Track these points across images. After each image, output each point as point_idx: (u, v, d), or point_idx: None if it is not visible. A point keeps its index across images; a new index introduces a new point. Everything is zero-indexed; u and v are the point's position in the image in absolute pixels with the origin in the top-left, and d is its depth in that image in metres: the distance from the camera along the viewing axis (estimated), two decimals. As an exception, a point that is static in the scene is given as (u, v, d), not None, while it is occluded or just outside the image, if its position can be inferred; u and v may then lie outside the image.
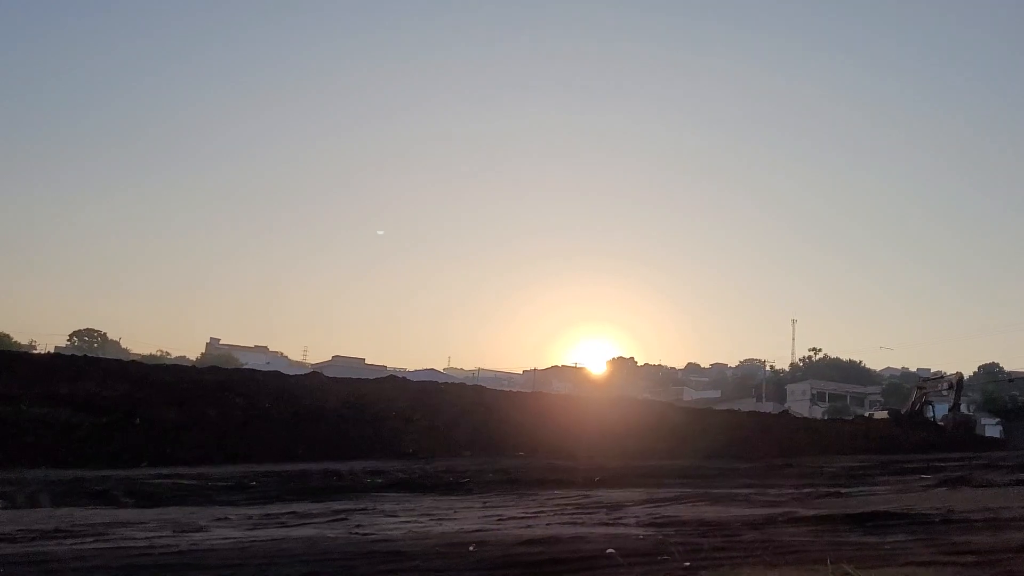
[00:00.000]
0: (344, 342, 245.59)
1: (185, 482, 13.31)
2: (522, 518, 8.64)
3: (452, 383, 30.57)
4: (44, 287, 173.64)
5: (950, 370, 53.94)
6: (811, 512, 9.39)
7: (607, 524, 8.29)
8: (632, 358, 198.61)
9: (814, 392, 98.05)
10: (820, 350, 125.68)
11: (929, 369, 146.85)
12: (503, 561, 6.17)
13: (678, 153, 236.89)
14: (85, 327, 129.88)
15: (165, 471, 16.74)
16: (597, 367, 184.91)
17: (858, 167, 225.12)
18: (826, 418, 58.54)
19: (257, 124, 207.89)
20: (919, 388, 54.12)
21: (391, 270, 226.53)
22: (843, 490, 12.72)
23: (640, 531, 7.85)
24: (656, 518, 8.81)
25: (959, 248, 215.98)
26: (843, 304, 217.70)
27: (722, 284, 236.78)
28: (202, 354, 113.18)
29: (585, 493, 12.39)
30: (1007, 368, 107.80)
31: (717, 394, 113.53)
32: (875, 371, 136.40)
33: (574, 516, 9.01)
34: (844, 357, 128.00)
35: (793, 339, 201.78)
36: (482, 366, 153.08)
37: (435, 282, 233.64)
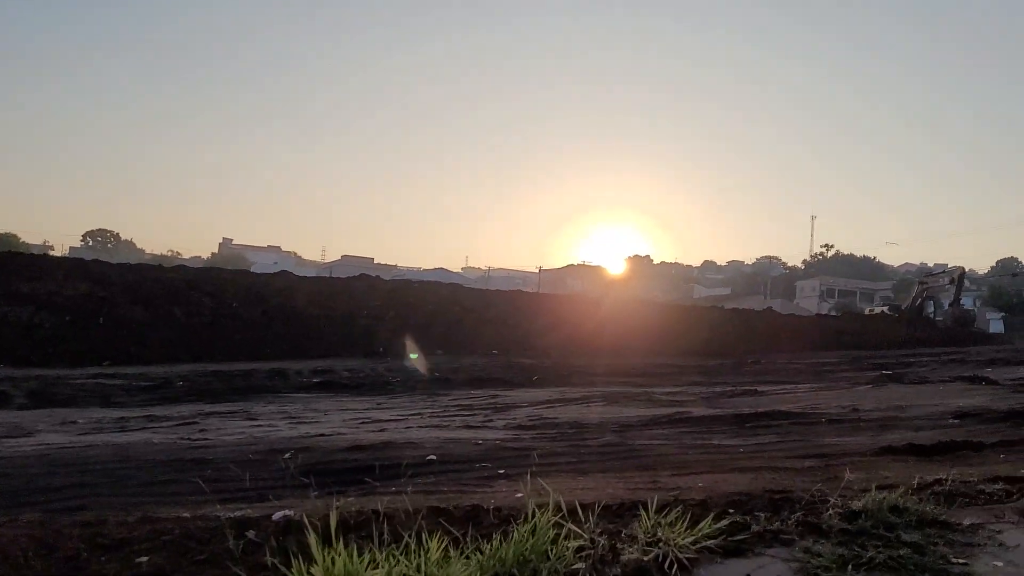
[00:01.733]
0: (362, 242, 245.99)
1: (108, 382, 13.17)
2: (390, 420, 8.36)
3: (427, 281, 30.28)
4: (59, 188, 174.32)
5: (968, 265, 53.10)
6: (702, 412, 9.07)
7: (472, 427, 7.99)
8: (648, 256, 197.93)
9: (823, 288, 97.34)
10: (832, 246, 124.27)
11: (946, 264, 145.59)
12: (309, 469, 5.86)
13: (701, 52, 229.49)
14: (99, 227, 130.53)
15: (129, 371, 16.66)
16: (614, 265, 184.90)
17: (882, 60, 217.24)
18: (832, 314, 58.02)
19: (274, 27, 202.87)
20: (920, 283, 53.44)
21: (411, 170, 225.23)
22: (760, 388, 12.36)
23: (500, 435, 7.55)
24: (534, 420, 8.52)
25: (982, 141, 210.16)
26: (864, 201, 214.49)
27: (744, 180, 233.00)
28: (213, 254, 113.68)
29: (502, 393, 12.12)
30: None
31: (728, 291, 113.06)
32: (891, 267, 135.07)
33: (451, 418, 8.73)
34: (859, 253, 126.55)
35: (812, 235, 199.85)
36: (501, 264, 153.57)
37: (455, 181, 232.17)
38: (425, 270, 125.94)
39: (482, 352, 25.46)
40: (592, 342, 27.79)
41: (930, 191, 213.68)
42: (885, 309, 54.25)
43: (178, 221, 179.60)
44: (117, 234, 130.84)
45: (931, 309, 51.36)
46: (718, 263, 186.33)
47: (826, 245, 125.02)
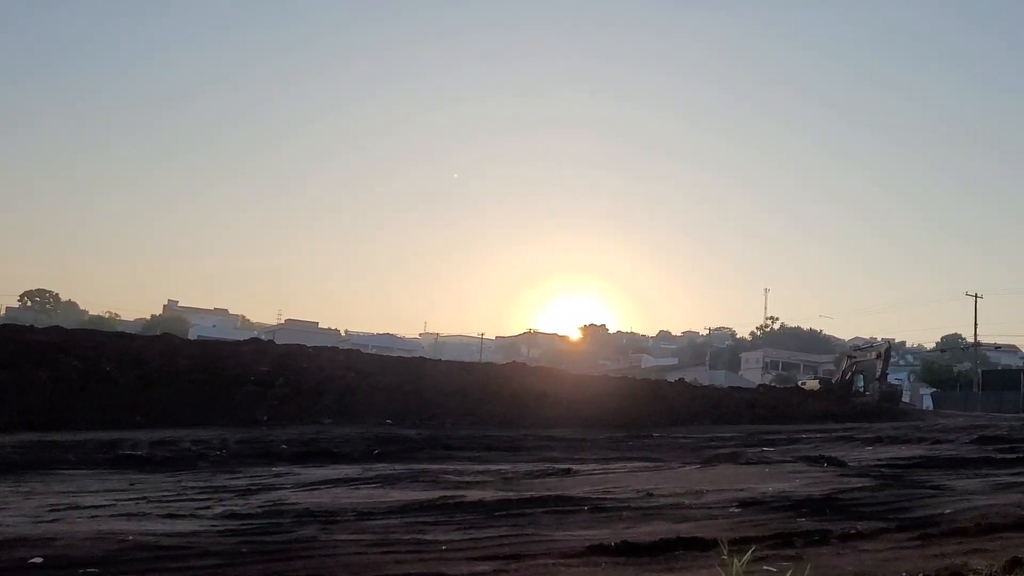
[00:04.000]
0: (319, 307, 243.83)
1: None
2: (92, 507, 7.32)
3: (323, 347, 29.17)
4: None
5: (916, 340, 53.50)
6: (478, 497, 8.18)
7: (178, 516, 6.99)
8: (604, 325, 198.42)
9: (767, 360, 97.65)
10: (777, 319, 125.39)
11: (894, 338, 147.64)
12: None
13: (664, 126, 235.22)
14: (38, 287, 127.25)
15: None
16: (570, 333, 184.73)
17: (836, 143, 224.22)
18: (771, 386, 57.70)
19: (224, 85, 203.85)
20: (849, 357, 53.42)
21: (371, 235, 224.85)
22: (583, 466, 11.52)
23: (191, 526, 6.56)
24: (266, 507, 7.54)
25: (937, 215, 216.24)
26: (817, 273, 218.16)
27: (707, 251, 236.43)
28: (154, 315, 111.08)
29: (294, 471, 11.10)
30: (970, 339, 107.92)
31: (674, 361, 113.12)
32: (839, 339, 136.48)
33: (179, 503, 7.71)
34: (806, 326, 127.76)
35: (765, 308, 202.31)
36: (459, 331, 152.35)
37: (416, 247, 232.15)
38: (373, 335, 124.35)
39: (374, 421, 24.33)
40: (493, 412, 26.90)
41: (882, 265, 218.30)
42: (816, 383, 54.05)
43: (125, 282, 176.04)
44: (56, 294, 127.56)
45: (860, 384, 51.27)
46: (673, 333, 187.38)
47: (771, 317, 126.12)
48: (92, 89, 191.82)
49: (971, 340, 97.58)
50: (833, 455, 13.40)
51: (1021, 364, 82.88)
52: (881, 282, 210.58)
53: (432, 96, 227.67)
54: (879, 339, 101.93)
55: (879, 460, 14.22)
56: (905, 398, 67.26)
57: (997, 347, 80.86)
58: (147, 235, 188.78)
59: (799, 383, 57.24)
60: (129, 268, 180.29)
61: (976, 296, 66.14)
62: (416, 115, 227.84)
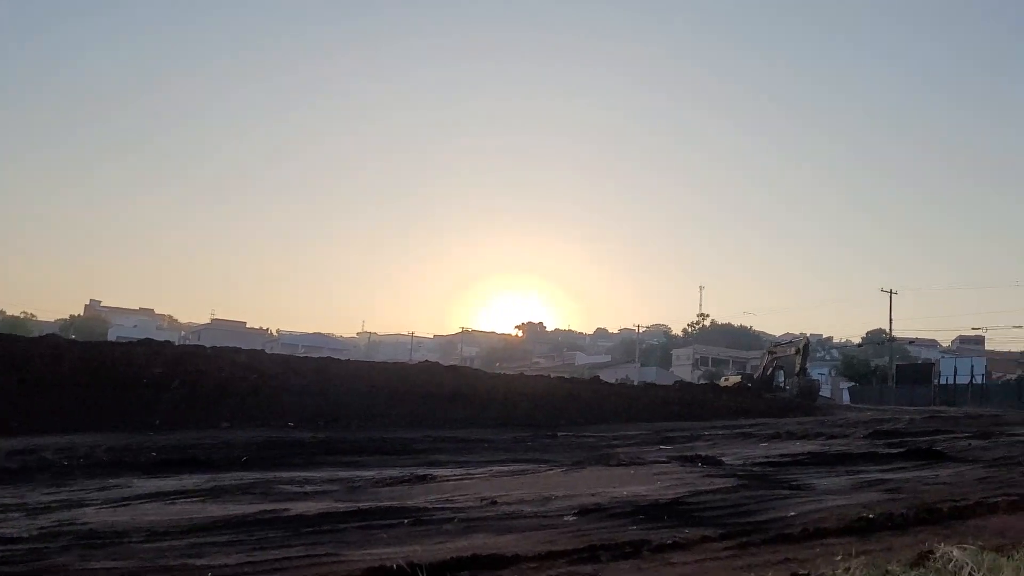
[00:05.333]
0: (253, 306, 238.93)
1: None
2: None
3: (224, 347, 28.07)
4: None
5: (843, 335, 54.50)
6: (305, 511, 7.56)
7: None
8: (541, 323, 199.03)
9: (697, 357, 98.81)
10: (708, 315, 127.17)
11: (821, 334, 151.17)
12: None
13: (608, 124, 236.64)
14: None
15: None
16: (508, 331, 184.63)
17: (768, 141, 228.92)
18: (688, 383, 58.20)
19: (145, 73, 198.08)
20: (770, 353, 54.24)
21: (309, 235, 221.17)
22: (435, 472, 10.99)
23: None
24: (46, 528, 6.80)
25: (865, 213, 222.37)
26: (750, 270, 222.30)
27: (642, 252, 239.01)
28: (73, 315, 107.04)
29: (141, 483, 10.32)
30: (896, 334, 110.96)
31: (608, 359, 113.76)
32: (770, 335, 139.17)
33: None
34: (736, 322, 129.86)
35: (700, 305, 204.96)
36: (397, 330, 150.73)
37: (353, 245, 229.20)
38: (305, 335, 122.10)
39: (277, 424, 23.44)
40: (403, 413, 26.25)
41: (813, 262, 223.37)
42: (739, 378, 54.71)
43: (46, 282, 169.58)
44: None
45: (781, 379, 52.07)
46: (610, 330, 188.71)
47: (702, 314, 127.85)
48: (9, 89, 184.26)
49: (896, 335, 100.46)
50: (712, 454, 13.14)
51: (939, 357, 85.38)
52: (812, 279, 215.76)
53: (369, 97, 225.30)
54: (803, 335, 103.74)
55: (764, 457, 14.04)
56: (826, 393, 68.77)
57: (911, 342, 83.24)
58: (72, 234, 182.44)
59: (723, 379, 57.93)
60: (52, 267, 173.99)
61: (891, 292, 67.87)
62: (353, 116, 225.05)
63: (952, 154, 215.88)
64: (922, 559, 4.57)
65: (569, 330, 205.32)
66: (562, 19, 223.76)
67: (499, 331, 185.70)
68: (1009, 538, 6.10)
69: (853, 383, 65.87)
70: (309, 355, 34.09)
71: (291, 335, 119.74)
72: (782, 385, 50.52)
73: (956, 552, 4.48)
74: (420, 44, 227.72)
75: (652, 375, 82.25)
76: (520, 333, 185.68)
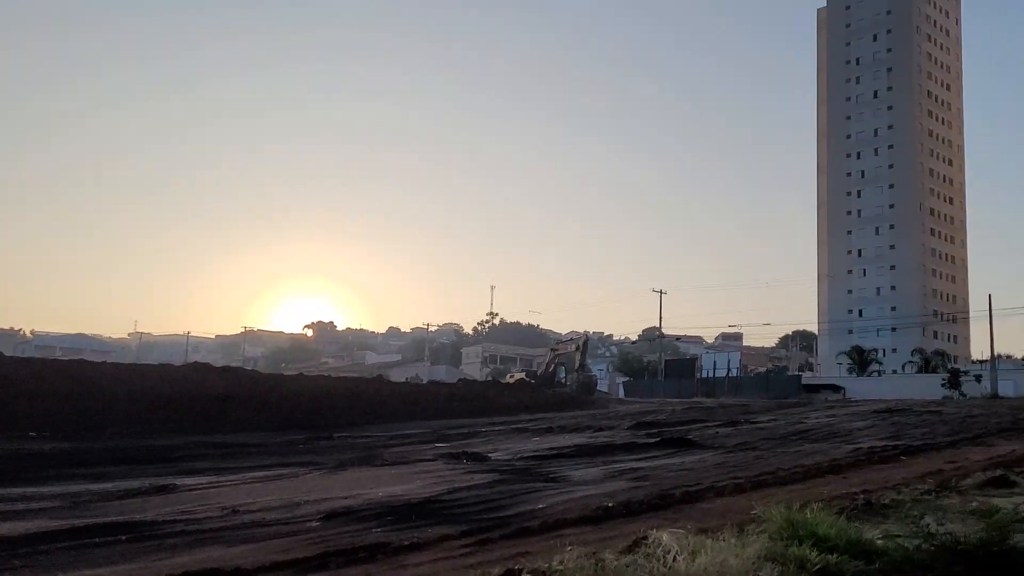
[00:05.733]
0: (8, 306, 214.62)
1: None
2: None
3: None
4: None
5: (622, 332, 57.33)
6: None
7: None
8: (332, 322, 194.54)
9: (486, 355, 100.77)
10: (497, 314, 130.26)
11: (602, 332, 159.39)
12: None
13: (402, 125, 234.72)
14: None
15: None
16: (298, 330, 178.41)
17: (552, 148, 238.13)
18: (472, 380, 59.11)
19: None
20: (552, 350, 56.29)
21: (77, 233, 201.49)
22: (180, 482, 10.30)
23: None
24: None
25: (642, 219, 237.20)
26: (538, 272, 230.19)
27: (437, 252, 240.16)
28: None
29: None
30: (666, 331, 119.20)
31: (398, 357, 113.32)
32: (557, 333, 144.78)
33: None
34: (524, 321, 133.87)
35: (492, 304, 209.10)
36: (173, 330, 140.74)
37: (128, 247, 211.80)
38: (65, 335, 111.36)
39: (16, 434, 20.96)
40: (169, 418, 24.43)
41: (596, 262, 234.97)
42: (523, 375, 56.35)
43: None
44: None
45: (562, 375, 54.22)
46: (403, 329, 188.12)
47: (492, 313, 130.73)
48: None
49: (666, 332, 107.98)
50: (483, 450, 13.27)
51: (703, 353, 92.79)
52: (595, 279, 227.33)
53: (153, 89, 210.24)
54: (583, 333, 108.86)
55: (532, 451, 14.38)
56: (603, 387, 72.54)
57: (678, 338, 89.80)
58: None
59: (508, 376, 59.43)
60: None
61: (662, 292, 72.83)
62: (135, 109, 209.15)
63: (719, 162, 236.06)
64: (636, 545, 4.75)
65: (361, 329, 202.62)
66: (342, 19, 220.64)
67: (288, 331, 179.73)
68: (726, 518, 6.54)
69: (628, 378, 69.91)
70: (66, 357, 31.06)
71: (48, 336, 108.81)
72: (563, 381, 52.59)
73: (666, 537, 4.69)
74: (206, 40, 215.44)
75: (442, 373, 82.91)
76: (310, 333, 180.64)
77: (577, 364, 51.53)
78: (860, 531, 5.37)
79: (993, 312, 58.86)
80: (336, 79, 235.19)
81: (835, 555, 4.75)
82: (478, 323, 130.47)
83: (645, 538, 4.83)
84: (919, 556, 4.77)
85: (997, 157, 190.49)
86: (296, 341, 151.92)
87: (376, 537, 6.23)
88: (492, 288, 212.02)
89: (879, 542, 5.21)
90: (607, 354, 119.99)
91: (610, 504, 7.37)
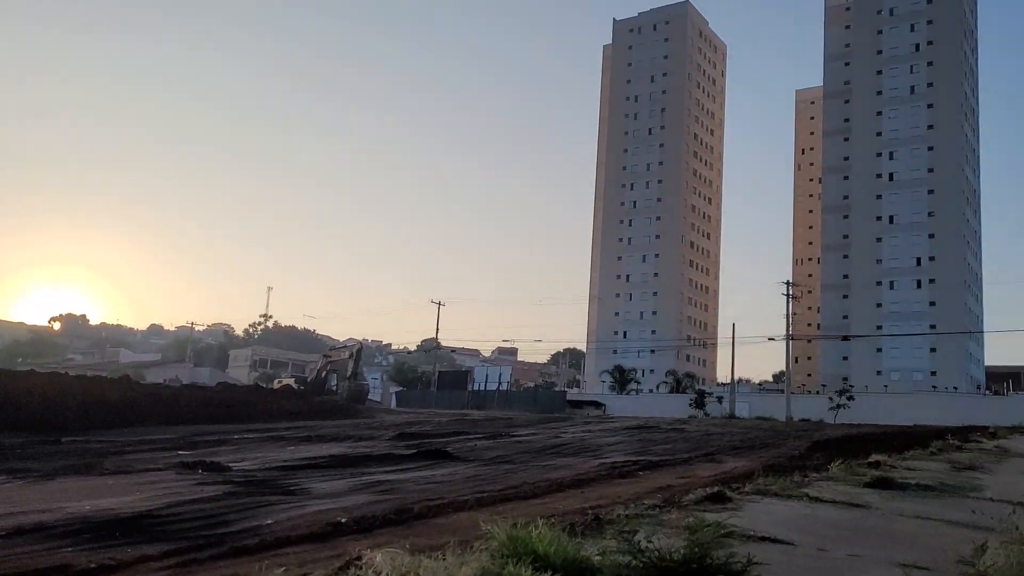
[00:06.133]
0: None
1: None
2: None
3: None
4: None
5: (401, 342, 56.46)
6: None
7: None
8: (84, 315, 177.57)
9: (256, 358, 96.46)
10: (271, 316, 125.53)
11: (382, 340, 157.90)
12: None
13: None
14: None
15: None
16: (41, 321, 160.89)
17: (328, 157, 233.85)
18: (233, 384, 56.15)
19: None
20: (325, 356, 54.88)
21: None
22: None
23: None
24: None
25: (426, 229, 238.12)
26: (319, 275, 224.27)
27: (208, 247, 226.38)
28: None
29: None
30: (444, 343, 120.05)
31: (158, 357, 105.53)
32: (335, 339, 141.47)
33: None
34: (300, 326, 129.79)
35: (267, 306, 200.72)
36: None
37: None
38: None
39: None
40: None
41: (377, 269, 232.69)
42: (292, 381, 54.41)
43: None
44: None
45: (334, 382, 52.89)
46: (166, 327, 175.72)
47: (266, 315, 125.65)
48: None
49: (444, 344, 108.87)
50: (228, 460, 12.40)
51: (478, 365, 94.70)
52: (377, 286, 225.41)
53: None
54: (359, 340, 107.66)
55: (283, 461, 13.66)
56: (377, 396, 71.77)
57: (453, 351, 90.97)
58: None
59: (276, 382, 57.14)
60: None
61: (440, 304, 73.32)
62: None
63: (506, 182, 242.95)
64: (347, 567, 4.45)
65: (118, 325, 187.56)
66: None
67: (31, 323, 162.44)
68: (459, 534, 6.40)
69: (402, 388, 69.58)
70: None
71: None
72: (334, 388, 51.35)
73: (379, 557, 4.44)
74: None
75: (205, 376, 78.24)
76: (57, 326, 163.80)
77: (350, 372, 50.57)
78: (580, 547, 5.41)
79: (736, 340, 64.78)
80: (100, 60, 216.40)
81: (551, 573, 4.72)
82: (250, 325, 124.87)
83: (359, 559, 4.54)
84: (628, 573, 4.86)
85: (747, 197, 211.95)
86: (38, 334, 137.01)
87: (63, 558, 5.46)
88: (269, 289, 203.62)
89: (596, 559, 5.27)
90: (384, 363, 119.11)
91: (343, 520, 7.02)
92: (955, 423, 31.98)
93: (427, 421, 29.74)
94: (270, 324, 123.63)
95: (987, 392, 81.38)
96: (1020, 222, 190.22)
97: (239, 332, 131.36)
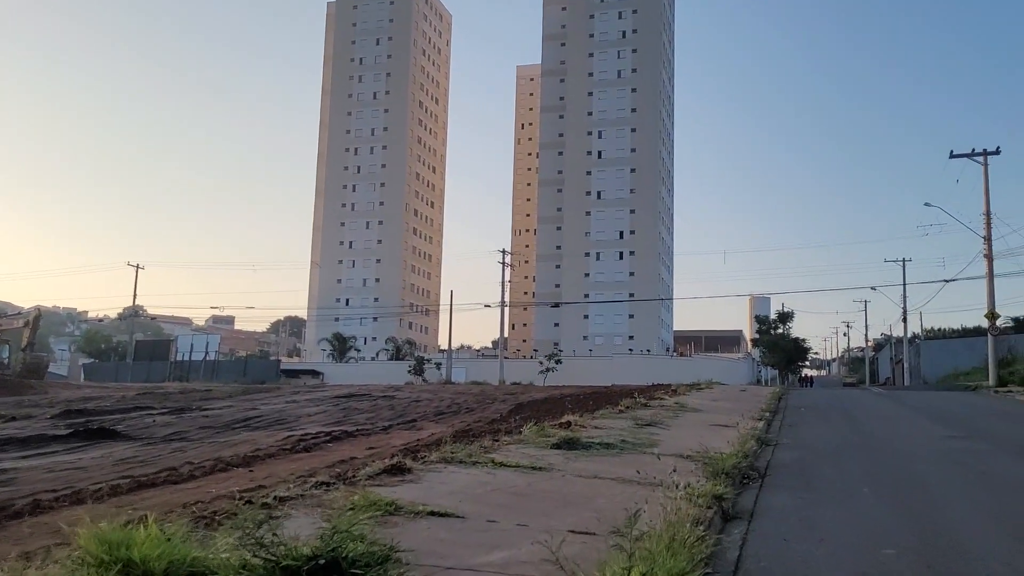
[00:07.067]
0: None
1: None
2: None
3: None
4: None
5: (101, 309, 49.56)
6: None
7: None
8: None
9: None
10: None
11: (75, 308, 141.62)
12: None
13: None
14: None
15: None
16: None
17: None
18: None
19: None
20: (-7, 325, 47.73)
21: None
22: None
23: None
24: None
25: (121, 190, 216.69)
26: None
27: None
28: None
29: None
30: (152, 311, 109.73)
31: None
32: (18, 307, 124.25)
33: None
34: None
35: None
36: None
37: None
38: None
39: None
40: None
41: (67, 230, 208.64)
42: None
43: None
44: None
45: (6, 354, 46.17)
46: None
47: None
48: None
49: (151, 312, 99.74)
50: None
51: (188, 334, 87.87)
52: (68, 248, 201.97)
53: None
54: (36, 307, 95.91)
55: None
56: (63, 371, 64.12)
57: (155, 319, 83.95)
58: None
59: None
60: None
61: (138, 267, 66.50)
62: None
63: (224, 140, 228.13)
64: None
65: None
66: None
67: None
68: (57, 537, 5.10)
69: (94, 360, 62.62)
70: None
71: None
72: (4, 362, 44.85)
73: None
74: None
75: None
76: None
77: (25, 342, 44.35)
78: (199, 546, 4.41)
79: (453, 307, 66.03)
80: None
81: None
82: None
83: None
84: (248, 574, 3.97)
85: (470, 168, 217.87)
86: None
87: None
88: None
89: (221, 557, 4.29)
90: (77, 333, 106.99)
91: None
92: (647, 382, 34.70)
93: (108, 396, 26.53)
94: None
95: (674, 354, 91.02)
96: (705, 200, 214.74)
97: None
